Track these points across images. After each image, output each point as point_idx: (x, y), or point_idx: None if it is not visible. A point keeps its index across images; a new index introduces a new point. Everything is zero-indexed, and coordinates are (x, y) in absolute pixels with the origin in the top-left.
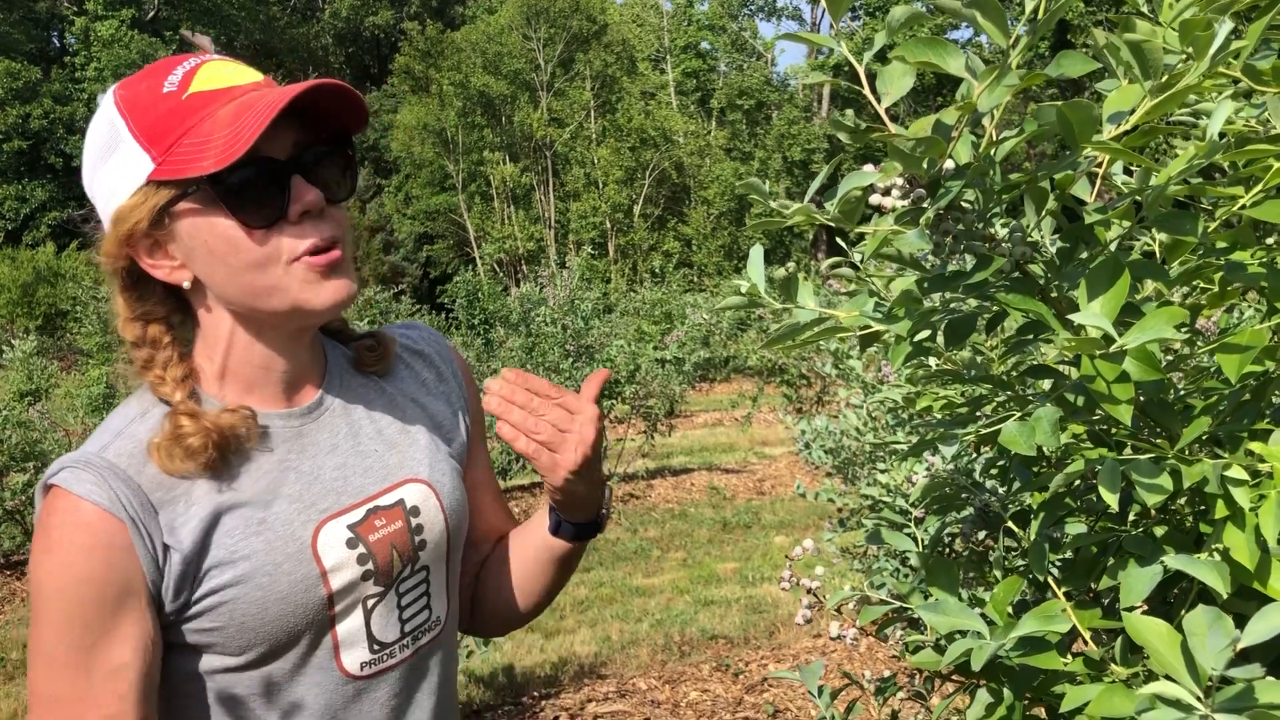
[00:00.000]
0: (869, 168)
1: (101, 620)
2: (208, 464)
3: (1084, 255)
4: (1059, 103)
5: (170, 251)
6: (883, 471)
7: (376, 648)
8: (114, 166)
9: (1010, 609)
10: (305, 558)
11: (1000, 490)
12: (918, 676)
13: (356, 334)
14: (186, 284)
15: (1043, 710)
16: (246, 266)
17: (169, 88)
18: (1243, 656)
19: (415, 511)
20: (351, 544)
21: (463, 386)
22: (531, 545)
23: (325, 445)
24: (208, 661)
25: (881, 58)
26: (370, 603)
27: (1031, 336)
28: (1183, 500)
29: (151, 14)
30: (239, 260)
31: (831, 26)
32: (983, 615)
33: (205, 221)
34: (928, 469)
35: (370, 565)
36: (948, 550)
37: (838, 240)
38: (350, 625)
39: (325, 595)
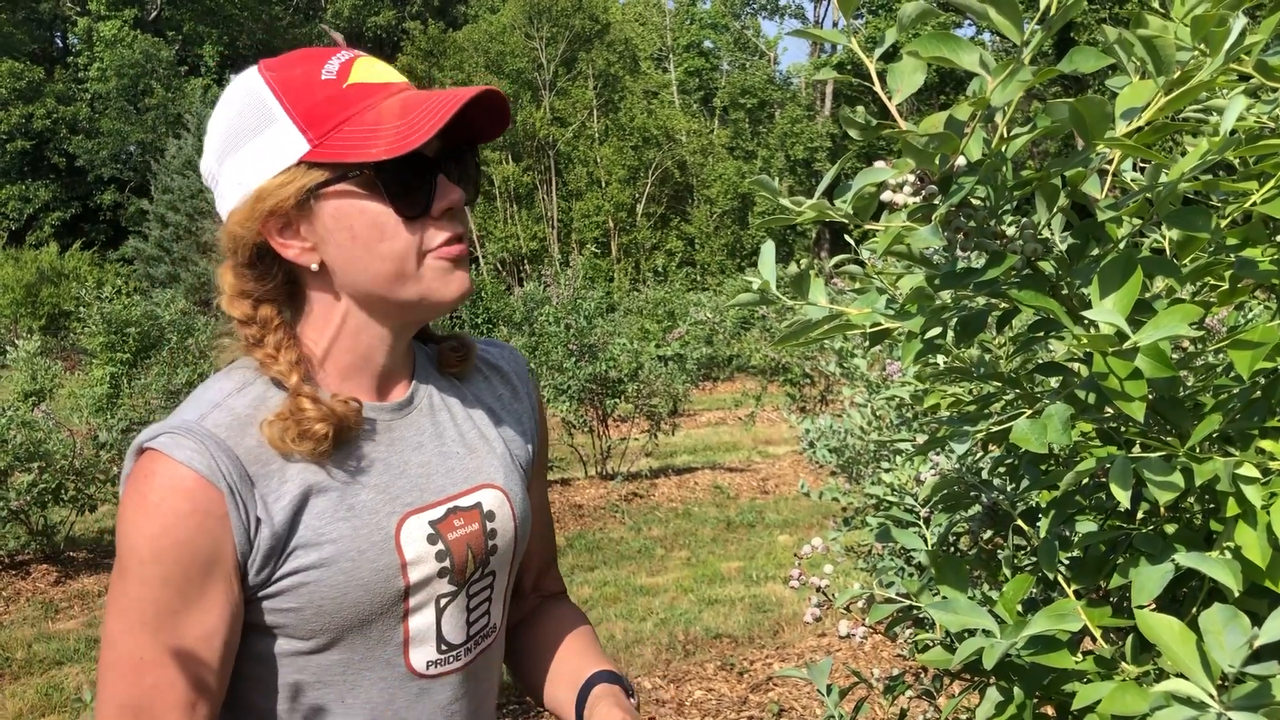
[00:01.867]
0: (880, 164)
1: (193, 586)
2: (320, 451)
3: (1095, 252)
4: (1072, 99)
5: (302, 233)
6: (887, 471)
7: (444, 648)
8: (263, 144)
9: (1020, 607)
10: (389, 547)
11: (1009, 488)
12: (924, 675)
13: (439, 335)
14: (315, 266)
15: (1052, 709)
16: (390, 253)
17: (327, 75)
18: (1254, 655)
19: (491, 516)
20: (432, 540)
21: (534, 409)
22: (562, 698)
23: (412, 442)
24: (277, 645)
25: (888, 56)
26: (443, 601)
27: (1043, 334)
28: (1192, 499)
29: (154, 14)
30: (385, 247)
31: (835, 24)
32: (993, 614)
33: (356, 206)
34: (933, 468)
35: (447, 563)
36: (953, 550)
37: (843, 239)
38: (422, 622)
39: (403, 587)
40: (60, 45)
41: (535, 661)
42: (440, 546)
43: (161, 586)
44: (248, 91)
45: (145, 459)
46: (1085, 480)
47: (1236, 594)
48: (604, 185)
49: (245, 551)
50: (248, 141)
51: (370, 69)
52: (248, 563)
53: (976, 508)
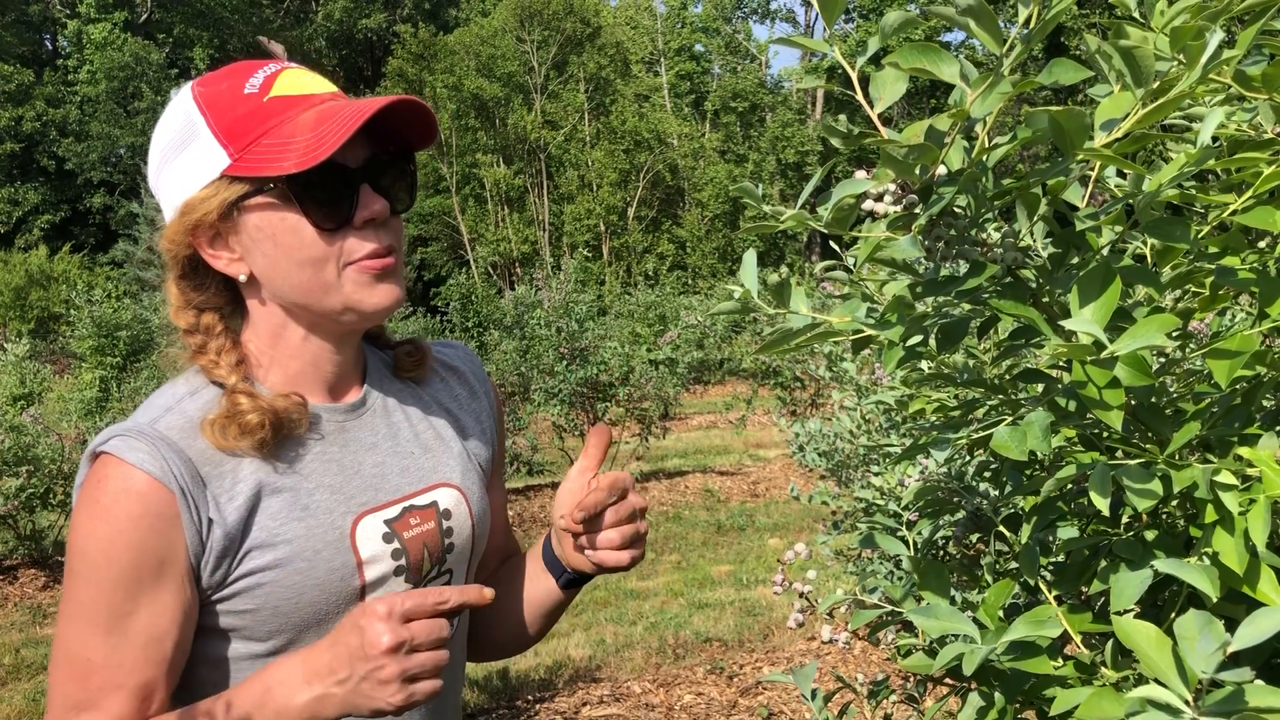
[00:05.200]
0: (861, 174)
1: (144, 589)
2: (260, 443)
3: (1075, 261)
4: (1052, 108)
5: (231, 244)
6: (876, 475)
7: None
8: (188, 159)
9: (1001, 612)
10: (344, 547)
11: (992, 494)
12: (910, 680)
13: (394, 340)
14: (243, 276)
15: (1033, 714)
16: (308, 262)
17: (250, 89)
18: (1231, 660)
19: (447, 514)
20: (387, 539)
21: (492, 407)
22: (542, 591)
23: (366, 442)
24: (232, 649)
25: (875, 61)
26: None
27: (1023, 342)
28: (1173, 504)
29: (144, 17)
30: (303, 255)
31: (824, 29)
32: (974, 619)
33: (277, 217)
34: (921, 472)
35: (403, 561)
36: (940, 553)
37: (831, 243)
38: None
39: (359, 586)
40: (50, 48)
41: (508, 605)
42: (396, 545)
43: (112, 589)
44: (178, 107)
45: (99, 463)
46: (1067, 486)
47: (1214, 600)
48: (595, 188)
49: (198, 552)
50: (176, 156)
51: (295, 80)
52: (201, 564)
53: (961, 513)
